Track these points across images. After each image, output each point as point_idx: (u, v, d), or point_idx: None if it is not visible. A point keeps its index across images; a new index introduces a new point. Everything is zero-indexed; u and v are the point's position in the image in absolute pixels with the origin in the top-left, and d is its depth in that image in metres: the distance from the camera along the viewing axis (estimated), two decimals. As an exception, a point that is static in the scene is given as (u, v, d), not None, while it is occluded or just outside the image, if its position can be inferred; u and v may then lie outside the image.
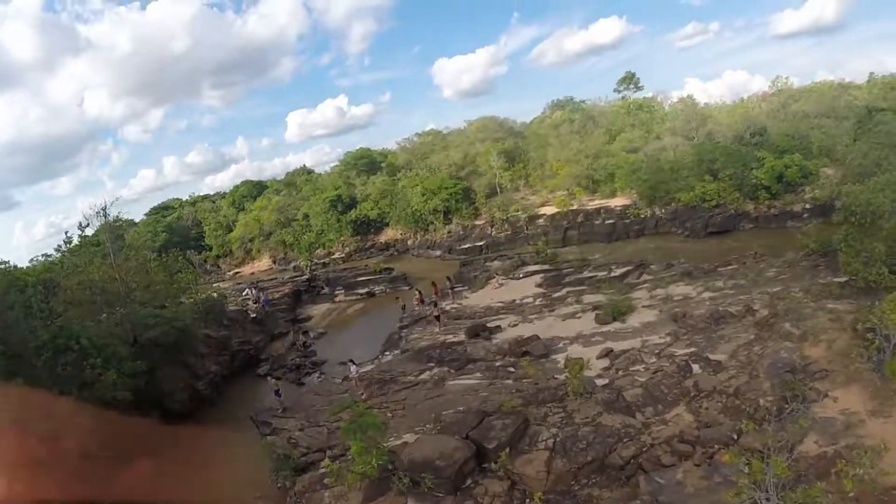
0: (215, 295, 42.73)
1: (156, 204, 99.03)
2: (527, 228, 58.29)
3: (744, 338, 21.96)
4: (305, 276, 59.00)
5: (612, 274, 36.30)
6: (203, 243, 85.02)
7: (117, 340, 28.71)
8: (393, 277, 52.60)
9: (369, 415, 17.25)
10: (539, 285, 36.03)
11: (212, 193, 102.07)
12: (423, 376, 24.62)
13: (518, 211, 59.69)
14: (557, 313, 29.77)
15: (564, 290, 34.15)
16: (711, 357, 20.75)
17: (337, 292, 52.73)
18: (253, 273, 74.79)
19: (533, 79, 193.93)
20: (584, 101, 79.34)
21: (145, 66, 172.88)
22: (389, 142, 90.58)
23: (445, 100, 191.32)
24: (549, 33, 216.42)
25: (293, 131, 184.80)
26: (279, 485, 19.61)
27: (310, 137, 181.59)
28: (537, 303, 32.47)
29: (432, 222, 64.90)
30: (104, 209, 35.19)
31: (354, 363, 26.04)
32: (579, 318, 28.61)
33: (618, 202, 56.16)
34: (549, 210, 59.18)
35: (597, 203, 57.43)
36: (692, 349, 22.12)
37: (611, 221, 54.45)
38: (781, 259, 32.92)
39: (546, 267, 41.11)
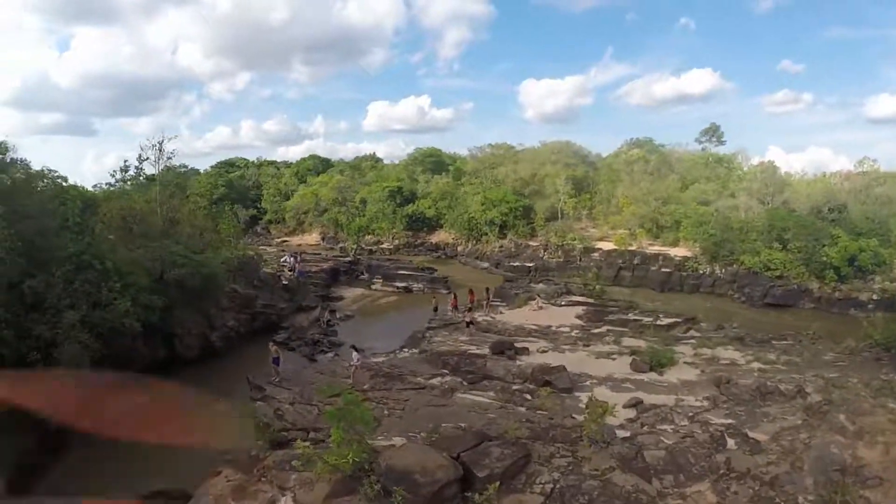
0: (252, 254, 42.05)
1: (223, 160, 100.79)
2: (580, 259, 55.90)
3: (790, 421, 19.25)
4: (349, 258, 58.29)
5: (659, 322, 33.69)
6: (259, 206, 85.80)
7: (142, 271, 28.13)
8: (433, 278, 51.18)
9: (361, 407, 15.57)
10: (579, 317, 33.69)
11: (279, 161, 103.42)
12: (433, 381, 22.69)
13: (575, 240, 57.37)
14: (592, 349, 27.43)
15: (605, 328, 31.73)
16: (750, 434, 18.14)
17: (375, 280, 51.67)
18: (300, 245, 74.49)
19: (616, 116, 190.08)
20: (662, 145, 76.51)
21: (242, 30, 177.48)
22: (463, 150, 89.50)
23: (526, 120, 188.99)
24: (640, 74, 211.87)
25: (372, 120, 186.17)
26: (253, 453, 18.42)
27: (387, 130, 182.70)
28: (573, 334, 30.12)
29: (486, 233, 63.18)
30: (160, 143, 34.99)
31: (357, 349, 24.33)
32: (614, 359, 26.23)
33: (678, 252, 53.12)
34: (607, 246, 56.61)
35: (656, 248, 54.52)
36: (730, 420, 19.55)
37: (667, 270, 51.37)
38: (842, 345, 29.78)
39: (591, 301, 38.76)
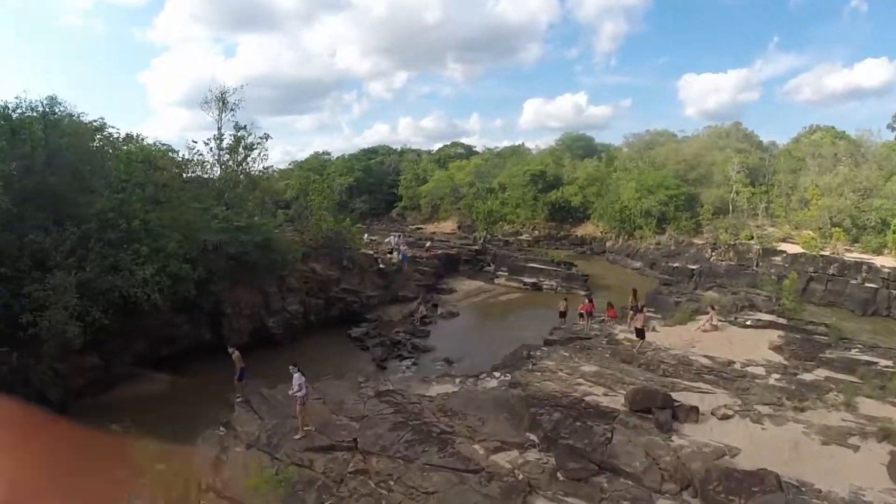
0: (344, 230, 33.01)
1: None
2: (757, 264, 40.60)
3: None
4: (476, 247, 48.16)
5: (907, 370, 19.08)
6: (395, 192, 78.70)
7: (180, 237, 21.92)
8: (570, 275, 39.28)
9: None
10: (776, 348, 19.95)
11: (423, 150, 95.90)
12: (498, 457, 11.29)
13: (751, 239, 42.15)
14: (810, 420, 14.08)
15: (822, 373, 17.99)
16: None
17: (499, 273, 40.96)
18: (434, 233, 65.67)
19: (783, 113, 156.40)
20: (845, 133, 57.10)
21: (397, 31, 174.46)
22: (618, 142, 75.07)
23: (686, 118, 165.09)
24: (809, 66, 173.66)
25: (528, 118, 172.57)
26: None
27: (543, 127, 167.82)
28: (772, 381, 16.67)
29: (641, 227, 49.49)
30: (223, 95, 27.27)
31: (299, 370, 13.48)
32: (856, 449, 13.00)
33: (886, 262, 36.10)
34: (791, 248, 40.69)
35: (854, 255, 37.82)
36: None
37: (872, 286, 34.62)
38: None
39: (785, 322, 24.74)
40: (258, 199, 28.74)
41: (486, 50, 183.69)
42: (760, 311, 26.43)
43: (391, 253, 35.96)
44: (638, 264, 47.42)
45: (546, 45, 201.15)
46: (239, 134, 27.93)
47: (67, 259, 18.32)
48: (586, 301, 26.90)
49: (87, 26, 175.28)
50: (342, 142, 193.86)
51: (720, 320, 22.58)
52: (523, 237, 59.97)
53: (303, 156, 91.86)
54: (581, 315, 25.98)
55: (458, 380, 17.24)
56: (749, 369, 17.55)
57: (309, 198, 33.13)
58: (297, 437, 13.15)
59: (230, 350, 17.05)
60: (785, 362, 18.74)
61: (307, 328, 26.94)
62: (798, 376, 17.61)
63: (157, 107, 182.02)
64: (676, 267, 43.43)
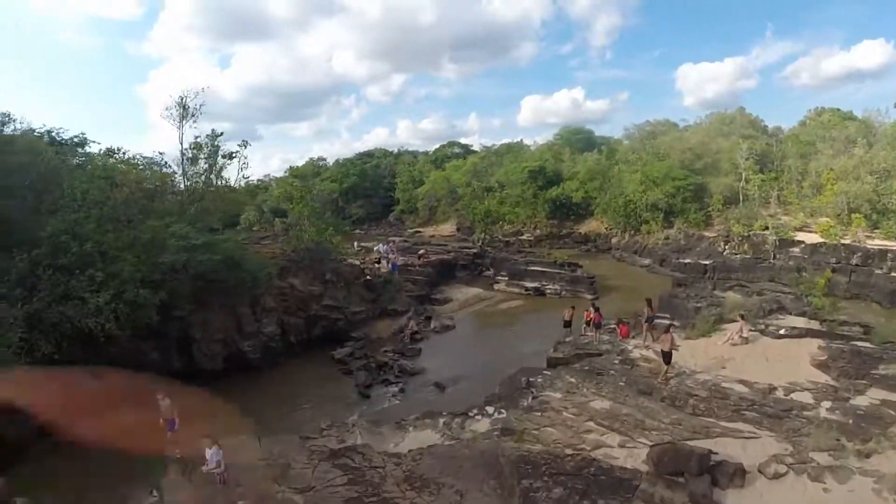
0: (334, 244, 30.00)
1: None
2: (775, 256, 37.62)
3: None
4: (474, 250, 45.00)
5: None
6: (392, 195, 75.69)
7: (137, 259, 19.55)
8: (575, 277, 36.12)
9: None
10: (820, 364, 16.72)
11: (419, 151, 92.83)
12: None
13: (766, 229, 38.86)
14: (878, 467, 10.69)
15: (876, 394, 14.49)
16: None
17: (499, 278, 37.79)
18: (433, 235, 62.60)
19: (782, 99, 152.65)
20: (852, 113, 54.05)
21: (392, 34, 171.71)
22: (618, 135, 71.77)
23: (685, 108, 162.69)
24: (806, 51, 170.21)
25: (526, 115, 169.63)
26: None
27: (542, 124, 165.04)
28: (824, 411, 13.32)
29: (647, 221, 46.36)
30: (182, 100, 24.55)
31: (217, 443, 10.34)
32: None
33: None
34: (809, 237, 37.57)
35: (878, 243, 34.56)
36: None
37: None
38: None
39: (817, 326, 21.46)
40: (223, 211, 25.85)
41: (480, 49, 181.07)
42: (791, 314, 23.25)
43: (380, 262, 32.86)
44: (647, 261, 44.31)
45: (541, 43, 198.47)
46: (211, 142, 25.09)
47: (14, 290, 16.53)
48: (592, 310, 23.47)
49: (81, 42, 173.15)
50: (341, 147, 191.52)
51: (749, 330, 19.27)
52: (524, 237, 56.99)
53: (302, 163, 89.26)
54: (587, 324, 22.80)
55: (442, 421, 14.14)
56: (794, 397, 14.30)
57: (290, 206, 30.16)
58: None
59: (159, 397, 13.91)
60: (833, 383, 15.48)
61: (287, 350, 24.33)
62: (851, 401, 14.35)
63: (156, 120, 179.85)
64: (688, 263, 40.27)
